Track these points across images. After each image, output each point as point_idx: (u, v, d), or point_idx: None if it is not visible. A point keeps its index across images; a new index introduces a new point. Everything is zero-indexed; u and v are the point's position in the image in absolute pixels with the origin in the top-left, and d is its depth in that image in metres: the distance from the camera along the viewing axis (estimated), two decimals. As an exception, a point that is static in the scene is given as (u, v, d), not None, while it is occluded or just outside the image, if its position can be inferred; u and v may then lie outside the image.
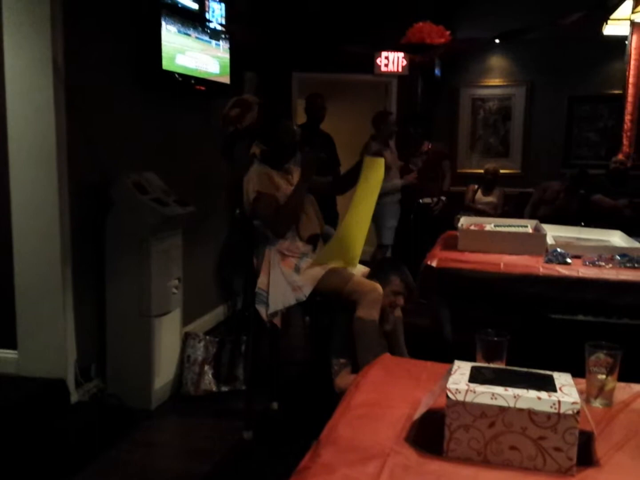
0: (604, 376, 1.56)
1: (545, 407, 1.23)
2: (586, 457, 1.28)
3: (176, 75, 3.87)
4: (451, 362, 1.45)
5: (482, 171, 6.68)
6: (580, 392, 1.31)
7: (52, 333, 3.16)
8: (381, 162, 2.95)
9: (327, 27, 5.84)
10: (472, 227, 3.62)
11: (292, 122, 3.13)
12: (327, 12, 5.89)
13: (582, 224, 4.30)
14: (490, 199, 6.52)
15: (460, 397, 1.26)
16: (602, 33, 3.67)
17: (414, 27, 5.31)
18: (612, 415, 1.51)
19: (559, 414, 1.22)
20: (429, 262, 3.15)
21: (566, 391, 1.28)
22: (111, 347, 3.39)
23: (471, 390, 1.27)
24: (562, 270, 2.95)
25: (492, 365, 1.54)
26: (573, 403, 1.23)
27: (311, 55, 5.88)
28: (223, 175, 4.62)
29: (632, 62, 3.39)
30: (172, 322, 3.55)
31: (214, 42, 4.40)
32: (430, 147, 6.03)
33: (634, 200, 5.61)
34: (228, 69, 4.57)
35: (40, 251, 3.13)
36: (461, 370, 1.38)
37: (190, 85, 4.08)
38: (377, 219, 4.98)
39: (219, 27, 4.42)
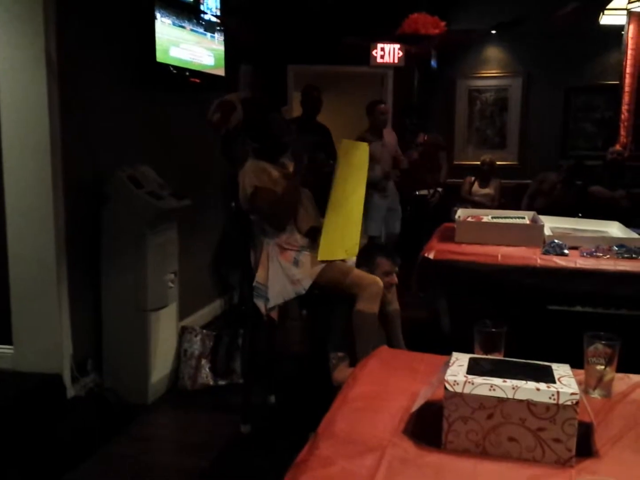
0: (602, 367, 1.55)
1: (544, 398, 1.22)
2: (585, 448, 1.27)
3: (171, 68, 3.84)
4: (449, 354, 1.44)
5: (478, 163, 6.67)
6: (579, 383, 1.31)
7: (48, 328, 3.14)
8: (364, 146, 2.98)
9: (322, 19, 5.81)
10: (470, 219, 3.60)
11: (281, 114, 3.10)
12: (322, 4, 5.85)
13: (580, 215, 4.30)
14: (487, 190, 6.51)
15: (458, 389, 1.25)
16: (598, 23, 3.65)
17: (409, 18, 5.29)
18: (610, 406, 1.50)
19: (557, 405, 1.21)
20: (426, 254, 3.14)
21: (565, 382, 1.27)
22: (107, 341, 3.38)
23: (469, 382, 1.26)
24: (560, 262, 2.94)
25: (490, 356, 1.53)
26: (572, 394, 1.22)
27: (307, 47, 5.85)
28: (219, 168, 4.59)
29: (629, 52, 3.38)
30: (168, 316, 3.53)
31: (208, 34, 4.37)
32: (425, 138, 6.01)
33: (631, 191, 5.61)
34: (223, 62, 4.55)
35: (35, 246, 3.11)
36: (459, 361, 1.37)
37: (184, 77, 4.05)
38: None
39: (213, 19, 4.39)
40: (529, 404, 1.22)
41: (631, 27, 3.37)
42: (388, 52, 5.94)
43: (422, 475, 1.19)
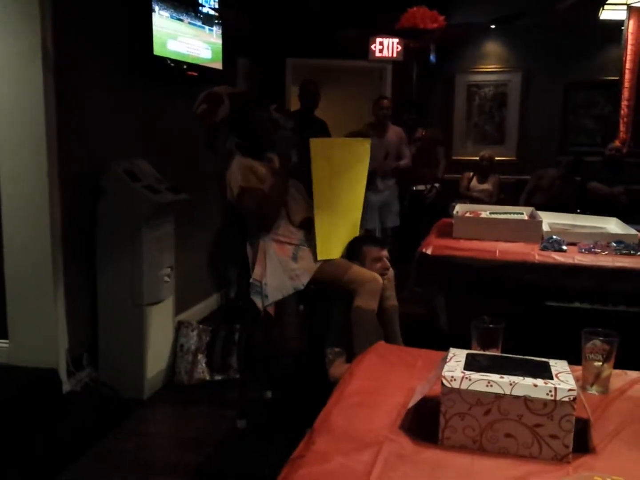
0: (600, 363, 1.54)
1: (541, 394, 1.21)
2: (582, 444, 1.27)
3: (168, 61, 3.82)
4: (446, 350, 1.43)
5: (477, 158, 6.65)
6: (576, 379, 1.30)
7: (44, 322, 3.13)
8: (365, 142, 3.03)
9: (321, 13, 5.78)
10: (468, 215, 3.59)
11: (269, 113, 3.08)
12: (321, -2, 5.84)
13: (578, 211, 4.29)
14: (485, 186, 6.49)
15: (455, 385, 1.24)
16: (598, 18, 3.64)
17: (408, 12, 5.27)
18: (608, 402, 1.50)
19: (555, 401, 1.20)
20: (424, 250, 3.13)
21: (562, 378, 1.26)
22: (103, 336, 3.37)
23: (466, 378, 1.25)
24: (558, 258, 2.93)
25: (487, 352, 1.52)
26: (569, 390, 1.21)
27: (305, 41, 5.83)
28: (215, 163, 4.58)
29: (629, 47, 3.37)
30: (164, 311, 3.52)
31: (206, 27, 4.35)
32: (424, 133, 5.99)
33: (629, 188, 5.60)
34: (221, 55, 4.53)
35: (31, 240, 3.10)
36: (456, 357, 1.37)
37: (182, 71, 4.03)
38: None
39: (212, 12, 4.36)
40: (526, 400, 1.21)
41: (631, 22, 3.35)
42: (387, 46, 5.92)
43: (418, 471, 1.18)
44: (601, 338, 1.54)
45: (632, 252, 2.96)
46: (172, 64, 3.87)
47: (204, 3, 4.25)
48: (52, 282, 3.11)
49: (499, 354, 1.52)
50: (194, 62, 4.15)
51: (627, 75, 3.37)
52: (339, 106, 6.65)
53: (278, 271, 2.86)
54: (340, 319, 2.86)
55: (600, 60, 6.50)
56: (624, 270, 2.83)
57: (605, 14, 3.58)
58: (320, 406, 1.48)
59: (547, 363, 1.34)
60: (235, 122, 3.00)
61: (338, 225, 3.02)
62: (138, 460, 2.78)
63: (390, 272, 3.05)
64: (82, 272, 3.32)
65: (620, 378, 1.62)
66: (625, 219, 3.52)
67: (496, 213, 3.62)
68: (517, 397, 1.22)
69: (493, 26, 5.76)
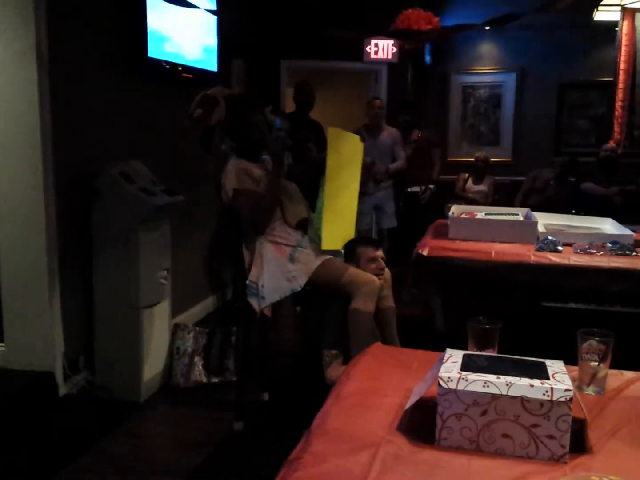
0: (596, 363, 1.55)
1: (538, 395, 1.21)
2: (579, 444, 1.27)
3: (163, 63, 3.82)
4: (443, 351, 1.43)
5: (472, 159, 6.66)
6: (573, 380, 1.30)
7: (39, 325, 3.13)
8: (356, 139, 3.05)
9: (316, 14, 5.79)
10: (463, 215, 3.60)
11: (265, 115, 3.09)
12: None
13: (573, 211, 4.30)
14: (480, 187, 6.50)
15: (452, 385, 1.24)
16: (592, 19, 3.65)
17: (402, 14, 5.28)
18: (604, 402, 1.50)
19: (551, 402, 1.21)
20: (420, 251, 3.14)
21: (559, 378, 1.26)
22: (99, 339, 3.36)
23: (463, 378, 1.25)
24: (553, 258, 2.94)
25: (484, 353, 1.52)
26: (566, 390, 1.21)
27: (300, 42, 5.83)
28: (212, 163, 4.58)
29: (623, 48, 3.38)
30: (161, 314, 3.51)
31: (202, 29, 4.34)
32: (419, 135, 6.00)
33: (624, 188, 5.62)
34: (216, 57, 4.53)
35: (26, 243, 3.09)
36: (453, 358, 1.37)
37: (177, 72, 4.03)
38: None
39: (207, 14, 4.36)
40: (522, 401, 1.22)
41: (625, 23, 3.36)
42: (382, 48, 5.93)
43: (416, 472, 1.18)
44: (597, 338, 1.54)
45: (627, 252, 2.97)
46: (167, 66, 3.87)
47: (200, 5, 4.24)
48: (47, 285, 3.10)
49: (496, 354, 1.53)
50: (189, 64, 4.15)
51: (622, 76, 3.38)
52: (334, 108, 6.65)
53: (275, 273, 2.86)
54: (337, 321, 2.86)
55: (594, 61, 6.52)
56: (619, 270, 2.84)
57: (600, 15, 3.60)
58: (316, 408, 1.48)
59: (544, 363, 1.35)
60: (231, 124, 3.00)
61: (341, 218, 3.07)
62: (135, 463, 2.77)
63: (387, 273, 3.05)
64: (78, 274, 3.31)
65: (617, 378, 1.62)
66: (620, 220, 3.53)
67: (492, 214, 3.63)
68: (514, 397, 1.22)
69: (487, 27, 5.77)
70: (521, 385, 1.23)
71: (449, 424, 1.26)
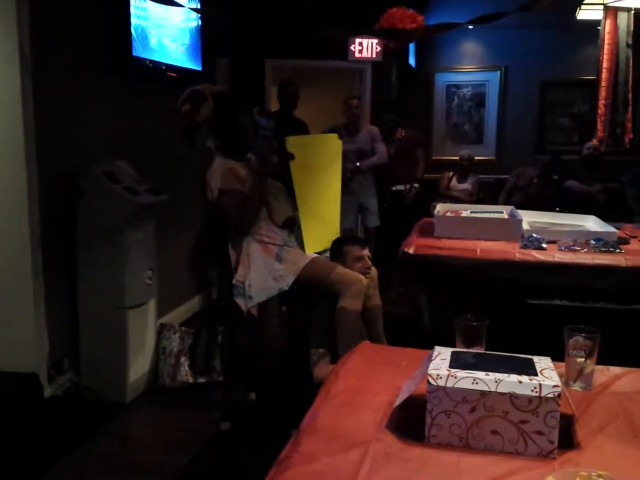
0: (582, 359, 1.56)
1: (526, 391, 1.22)
2: (567, 440, 1.28)
3: (147, 62, 3.80)
4: (429, 348, 1.44)
5: (457, 158, 6.69)
6: (560, 376, 1.31)
7: (23, 326, 3.09)
8: (333, 137, 3.13)
9: (300, 13, 5.77)
10: (449, 214, 3.61)
11: (253, 116, 3.09)
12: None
13: (557, 209, 4.34)
14: (465, 186, 6.54)
15: (441, 383, 1.25)
16: (575, 18, 3.68)
17: (386, 13, 5.28)
18: (591, 398, 1.51)
19: (540, 398, 1.21)
20: (406, 249, 3.14)
21: (547, 375, 1.27)
22: (84, 339, 3.33)
23: (452, 375, 1.26)
24: (538, 256, 2.96)
25: (472, 350, 1.53)
26: (554, 386, 1.22)
27: (285, 41, 5.82)
28: (197, 162, 4.56)
29: (606, 47, 3.41)
30: (146, 314, 3.49)
31: (186, 28, 4.32)
32: (403, 134, 6.01)
33: (606, 186, 5.67)
34: (200, 56, 4.51)
35: (10, 244, 3.06)
36: (442, 355, 1.37)
37: (161, 72, 4.01)
38: None
39: (192, 13, 4.34)
40: (511, 397, 1.22)
41: (607, 21, 3.40)
42: (366, 47, 5.93)
43: (406, 469, 1.18)
44: (583, 335, 1.56)
45: (611, 249, 2.99)
46: (151, 65, 3.85)
47: (184, 4, 4.22)
48: (31, 285, 3.07)
49: (484, 351, 1.53)
50: (173, 63, 4.13)
51: (604, 74, 3.41)
52: (318, 106, 6.64)
53: (262, 272, 2.85)
54: (324, 320, 2.86)
55: (577, 59, 6.59)
56: (603, 267, 2.86)
57: (582, 14, 3.63)
58: (304, 407, 1.48)
59: (532, 360, 1.36)
60: (218, 122, 2.99)
61: (321, 220, 3.10)
62: (121, 463, 2.76)
63: (373, 272, 3.06)
64: (62, 275, 3.29)
65: (603, 374, 1.64)
66: (603, 217, 3.57)
67: (477, 212, 3.65)
68: (503, 393, 1.22)
69: (471, 26, 5.80)
70: (510, 382, 1.23)
71: (438, 421, 1.26)
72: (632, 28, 3.49)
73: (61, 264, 3.28)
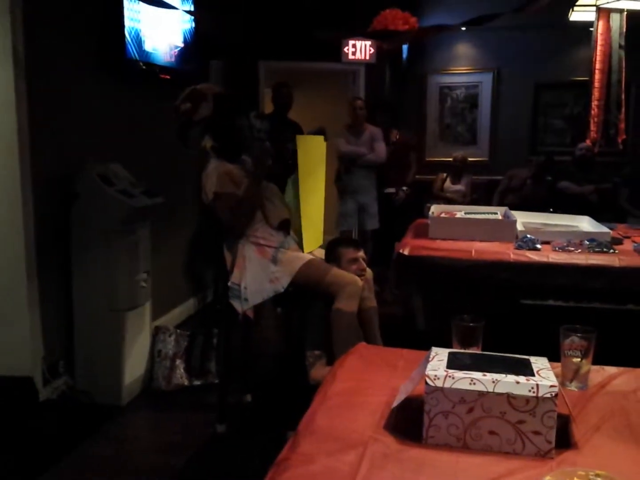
0: (578, 359, 1.56)
1: (523, 391, 1.23)
2: (564, 440, 1.28)
3: (141, 64, 3.79)
4: (425, 349, 1.44)
5: (450, 159, 6.71)
6: (556, 376, 1.31)
7: (18, 329, 3.08)
8: (320, 140, 3.14)
9: (294, 15, 5.78)
10: (443, 215, 3.62)
11: (249, 120, 3.10)
12: (294, 0, 5.83)
13: (551, 210, 4.35)
14: (458, 187, 6.55)
15: (439, 383, 1.25)
16: (567, 19, 3.70)
17: (380, 15, 5.30)
18: (587, 397, 1.52)
19: (537, 398, 1.22)
20: (401, 250, 3.15)
21: (544, 375, 1.28)
22: (79, 342, 3.32)
23: (450, 376, 1.26)
24: (532, 256, 2.97)
25: (468, 350, 1.53)
26: (551, 386, 1.23)
27: (278, 43, 5.83)
28: (191, 164, 4.56)
29: (599, 48, 3.42)
30: (141, 316, 3.49)
31: (180, 29, 4.32)
32: (398, 137, 6.02)
33: (599, 187, 5.69)
34: (193, 58, 4.50)
35: (4, 246, 3.05)
36: (439, 356, 1.38)
37: (155, 73, 4.00)
38: None
39: (185, 14, 4.34)
40: (509, 397, 1.23)
41: (600, 23, 3.41)
42: (360, 49, 5.94)
43: (404, 470, 1.18)
44: (579, 334, 1.56)
45: (604, 249, 3.01)
46: (145, 67, 3.84)
47: (178, 6, 4.22)
48: (25, 289, 3.06)
49: (480, 352, 1.54)
50: (166, 64, 4.13)
51: (597, 76, 3.42)
52: (312, 108, 6.64)
53: (258, 274, 2.85)
54: (319, 322, 2.86)
55: (570, 61, 6.61)
56: (597, 267, 2.88)
57: (575, 16, 3.65)
58: (300, 409, 1.48)
59: (528, 360, 1.36)
60: (216, 124, 2.99)
61: (314, 219, 3.15)
62: (117, 466, 2.76)
63: (369, 273, 3.06)
64: (57, 277, 3.28)
65: (599, 374, 1.65)
66: (596, 218, 3.58)
67: (471, 213, 3.66)
68: (500, 394, 1.23)
69: (464, 28, 5.81)
70: (507, 382, 1.24)
71: (436, 422, 1.27)
72: (624, 29, 3.51)
73: (56, 266, 3.27)
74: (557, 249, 3.06)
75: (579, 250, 3.02)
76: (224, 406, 3.11)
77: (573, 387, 1.57)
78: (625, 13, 3.48)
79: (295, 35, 5.61)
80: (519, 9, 3.11)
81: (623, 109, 3.64)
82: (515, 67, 6.92)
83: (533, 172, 6.17)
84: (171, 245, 4.47)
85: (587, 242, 3.08)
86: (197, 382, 3.54)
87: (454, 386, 1.25)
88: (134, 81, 3.90)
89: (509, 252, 3.02)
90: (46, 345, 3.19)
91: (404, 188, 5.96)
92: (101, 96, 3.63)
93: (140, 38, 3.78)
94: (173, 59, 4.24)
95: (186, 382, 3.52)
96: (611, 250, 3.00)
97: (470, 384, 1.24)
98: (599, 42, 3.50)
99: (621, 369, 1.70)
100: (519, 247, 3.07)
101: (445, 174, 6.64)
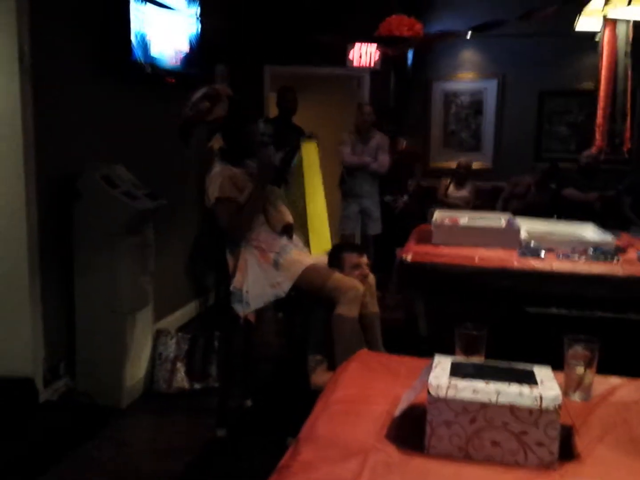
0: (582, 369, 1.56)
1: (527, 402, 1.22)
2: (567, 451, 1.27)
3: (146, 67, 3.79)
4: (426, 356, 1.43)
5: (454, 166, 6.70)
6: (559, 386, 1.30)
7: (19, 330, 3.08)
8: (314, 145, 3.25)
9: (299, 20, 5.79)
10: (446, 221, 3.61)
11: (259, 124, 3.13)
12: (300, 5, 5.84)
13: (555, 216, 4.34)
14: (462, 193, 6.54)
15: (441, 393, 1.25)
16: (573, 28, 3.70)
17: (385, 21, 5.30)
18: (590, 408, 1.51)
19: (540, 409, 1.21)
20: (403, 256, 3.14)
21: (547, 385, 1.27)
22: (80, 344, 3.32)
23: (452, 386, 1.25)
24: (536, 264, 2.96)
25: (471, 359, 1.52)
26: (555, 397, 1.22)
27: (283, 48, 5.83)
28: (194, 167, 4.56)
29: (605, 57, 3.41)
30: (143, 319, 3.48)
31: (186, 34, 4.33)
32: (404, 146, 6.02)
33: (604, 194, 5.68)
34: (199, 62, 4.51)
35: (6, 247, 3.04)
36: (442, 365, 1.37)
37: (160, 77, 4.01)
38: None
39: (191, 19, 4.35)
40: (512, 408, 1.22)
41: (607, 32, 3.40)
42: (365, 55, 5.95)
43: (405, 480, 1.18)
44: (582, 344, 1.55)
45: (608, 258, 3.00)
46: (150, 70, 3.84)
47: (184, 10, 4.23)
48: (28, 290, 3.06)
49: (483, 360, 1.53)
50: (172, 68, 4.13)
51: (603, 85, 3.41)
52: (317, 113, 6.64)
53: (259, 279, 2.84)
54: (321, 327, 2.85)
55: (575, 68, 6.60)
56: (600, 276, 2.86)
57: (581, 24, 3.64)
58: (300, 414, 1.47)
59: (532, 369, 1.35)
60: (228, 126, 2.98)
61: (319, 222, 3.25)
62: (116, 469, 2.75)
63: (371, 279, 3.06)
64: (59, 279, 3.27)
65: (602, 384, 1.64)
66: (600, 225, 3.57)
67: (475, 219, 3.65)
68: (503, 405, 1.22)
69: (469, 35, 5.82)
70: (510, 393, 1.23)
71: (438, 431, 1.26)
72: (630, 38, 3.50)
73: (58, 268, 3.26)
74: (560, 256, 3.04)
75: (583, 259, 3.01)
76: (225, 410, 3.10)
77: (576, 397, 1.56)
78: (632, 22, 3.47)
79: (301, 40, 5.62)
80: (524, 16, 3.11)
81: (628, 118, 3.62)
82: (520, 74, 6.91)
83: (538, 179, 6.16)
84: (173, 247, 4.47)
85: (592, 250, 3.07)
86: (197, 386, 3.53)
87: (457, 396, 1.24)
88: (139, 84, 3.90)
89: (513, 260, 3.01)
90: (47, 347, 3.19)
91: (404, 197, 5.96)
92: (106, 98, 3.63)
93: (147, 42, 3.78)
94: (178, 63, 4.24)
95: (187, 386, 3.51)
96: (615, 259, 2.99)
97: (473, 393, 1.24)
98: (605, 50, 3.48)
99: (624, 379, 1.69)
100: (523, 255, 3.06)
101: (449, 180, 6.64)
